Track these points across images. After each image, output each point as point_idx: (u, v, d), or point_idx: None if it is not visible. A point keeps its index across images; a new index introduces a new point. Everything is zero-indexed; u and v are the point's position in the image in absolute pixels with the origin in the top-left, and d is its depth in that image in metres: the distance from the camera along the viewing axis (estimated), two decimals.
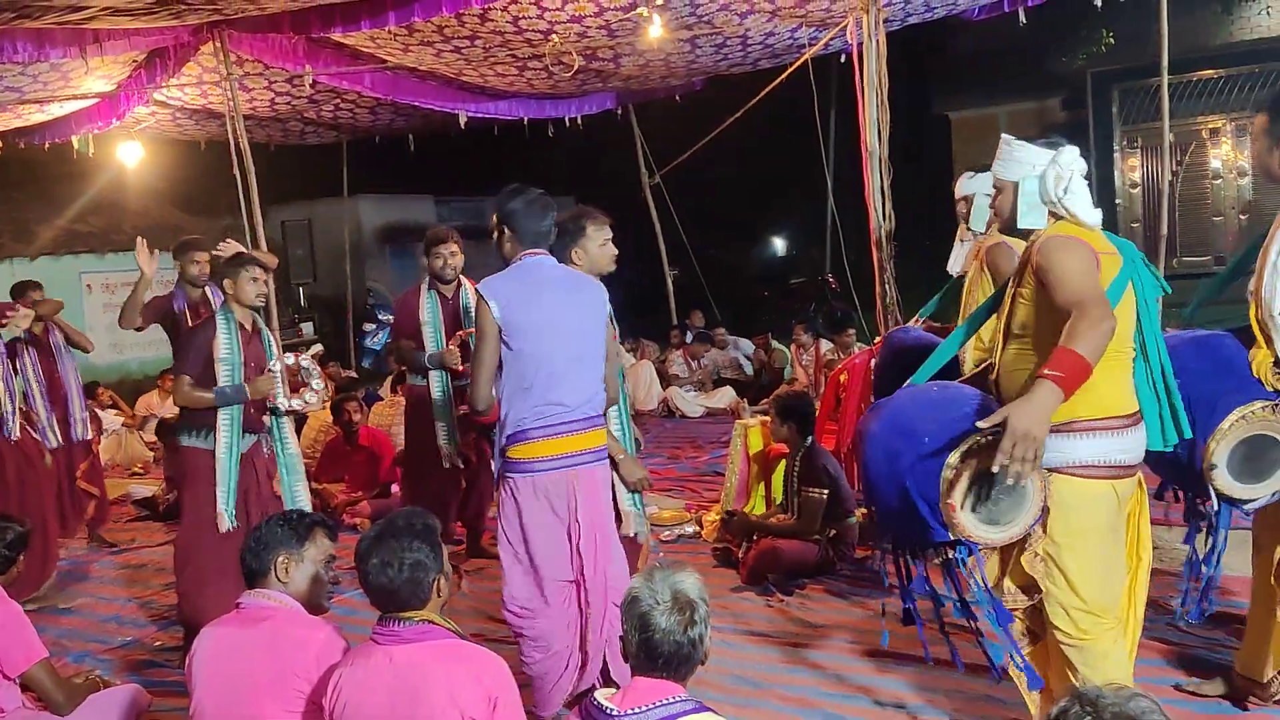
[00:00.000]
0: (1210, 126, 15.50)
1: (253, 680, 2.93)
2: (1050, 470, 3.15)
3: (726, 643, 4.86)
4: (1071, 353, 2.88)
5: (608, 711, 2.43)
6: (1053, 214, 3.25)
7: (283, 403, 5.27)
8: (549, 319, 3.84)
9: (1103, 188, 16.89)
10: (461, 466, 6.18)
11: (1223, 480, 3.38)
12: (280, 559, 3.08)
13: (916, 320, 4.93)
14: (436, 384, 6.17)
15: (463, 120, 9.74)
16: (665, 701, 2.42)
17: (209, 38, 7.62)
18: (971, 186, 4.84)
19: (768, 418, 6.30)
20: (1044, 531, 3.19)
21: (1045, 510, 3.16)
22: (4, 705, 3.71)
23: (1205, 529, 3.78)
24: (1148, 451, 3.30)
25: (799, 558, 5.70)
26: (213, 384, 5.02)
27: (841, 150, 11.31)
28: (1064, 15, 11.80)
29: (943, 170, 21.11)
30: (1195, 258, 14.68)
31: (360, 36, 7.56)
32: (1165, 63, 7.91)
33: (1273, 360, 3.50)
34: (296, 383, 5.44)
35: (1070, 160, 3.24)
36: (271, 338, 5.41)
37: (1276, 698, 3.79)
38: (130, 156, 10.63)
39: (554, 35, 7.57)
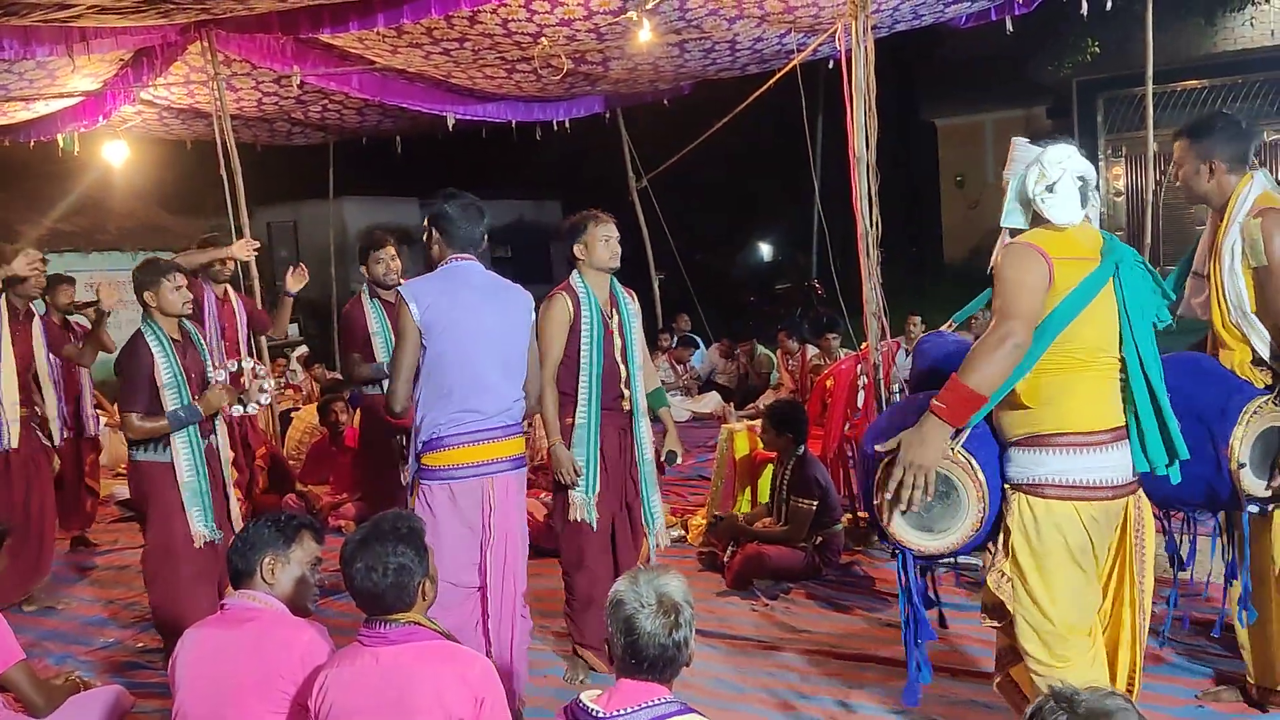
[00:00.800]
0: None
1: (237, 681, 2.92)
2: (1013, 487, 3.09)
3: (711, 646, 4.87)
4: (960, 385, 2.92)
5: (593, 713, 2.44)
6: (1034, 215, 3.17)
7: (235, 410, 5.14)
8: (471, 323, 3.82)
9: None
10: None
11: (1249, 479, 3.40)
12: (267, 560, 3.07)
13: (949, 326, 4.94)
14: None
15: (450, 122, 9.72)
16: (651, 703, 2.43)
17: (196, 37, 7.59)
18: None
19: (754, 422, 6.33)
20: (1005, 553, 3.11)
21: (1008, 530, 3.09)
22: None
23: (1226, 538, 3.81)
24: (1163, 484, 3.18)
25: (785, 563, 5.71)
26: (160, 409, 4.72)
27: (829, 156, 11.33)
28: (1050, 24, 11.89)
29: (929, 176, 21.25)
30: (1192, 276, 14.80)
31: (348, 38, 7.55)
32: (1150, 72, 7.96)
33: (1250, 359, 3.59)
34: (241, 386, 5.26)
35: (1059, 158, 3.10)
36: (202, 341, 5.09)
37: None
38: (116, 156, 10.58)
39: (543, 38, 7.57)
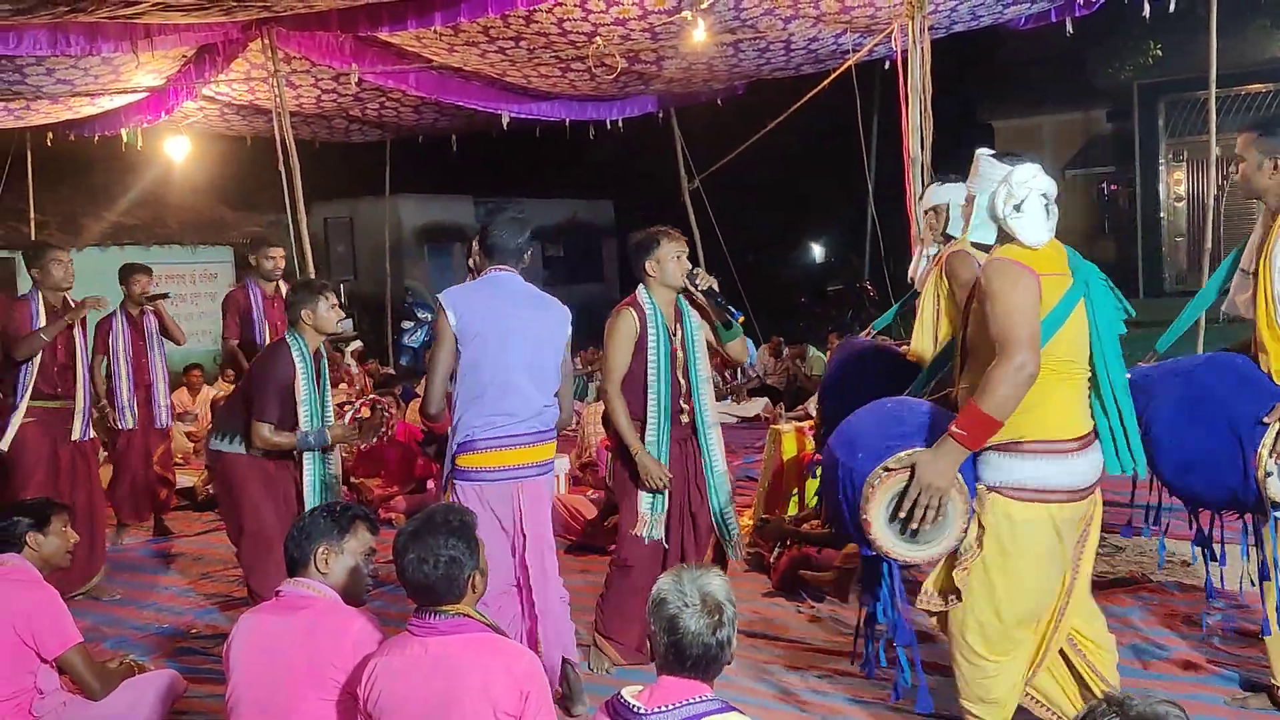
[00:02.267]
0: None
1: (289, 667, 2.97)
2: (989, 489, 3.19)
3: (755, 648, 4.86)
4: (978, 410, 3.02)
5: (634, 710, 2.45)
6: (1002, 231, 3.25)
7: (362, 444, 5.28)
8: (505, 330, 3.94)
9: (1147, 201, 16.73)
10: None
11: (1276, 487, 3.36)
12: (321, 550, 3.12)
13: (868, 332, 4.96)
14: None
15: (505, 121, 9.79)
16: (692, 701, 2.44)
17: (257, 34, 7.70)
18: (943, 195, 4.76)
19: (802, 424, 6.30)
20: (980, 548, 3.21)
21: (982, 528, 3.19)
22: (42, 687, 3.77)
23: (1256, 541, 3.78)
24: (1193, 483, 3.36)
25: (831, 565, 5.68)
26: (290, 422, 4.86)
27: (883, 157, 11.26)
28: (1111, 26, 11.71)
29: None
30: (1239, 273, 14.52)
31: (406, 36, 7.62)
32: (1213, 75, 7.82)
33: None
34: (375, 422, 5.42)
35: (1025, 178, 3.18)
36: (326, 364, 5.22)
37: None
38: (177, 151, 10.77)
39: (598, 37, 7.60)
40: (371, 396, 5.58)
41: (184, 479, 8.98)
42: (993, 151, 3.36)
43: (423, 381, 10.95)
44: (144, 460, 7.30)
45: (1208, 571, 3.94)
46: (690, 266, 4.62)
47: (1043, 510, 3.15)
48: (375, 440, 5.56)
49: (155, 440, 7.40)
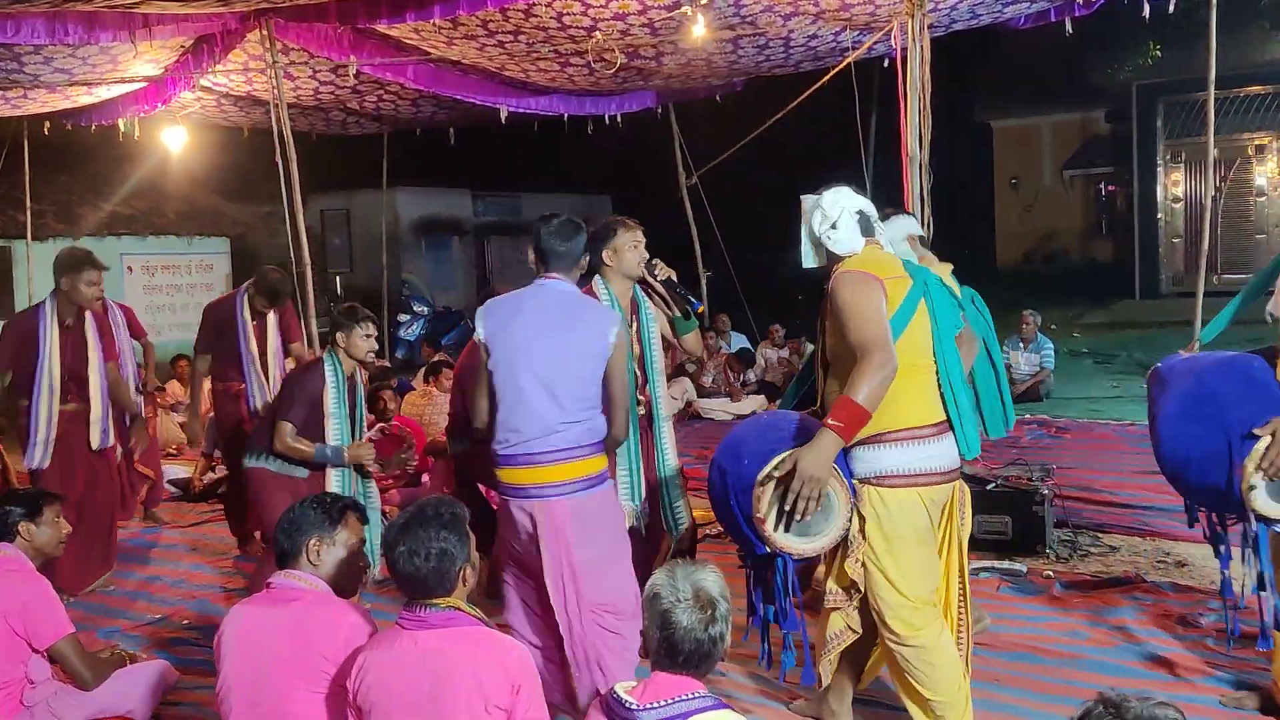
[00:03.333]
0: (1256, 143, 15.33)
1: (280, 659, 2.96)
2: (861, 481, 3.47)
3: (751, 644, 4.85)
4: (851, 402, 3.25)
5: (627, 705, 2.45)
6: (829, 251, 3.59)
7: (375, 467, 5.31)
8: (521, 342, 3.72)
9: (1145, 202, 16.74)
10: None
11: (1261, 501, 3.36)
12: (312, 541, 3.11)
13: None
14: None
15: (503, 115, 9.77)
16: (685, 697, 2.44)
17: (255, 25, 7.68)
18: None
19: None
20: (864, 538, 3.49)
21: (863, 519, 3.47)
22: (34, 677, 3.77)
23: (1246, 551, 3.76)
24: (1186, 480, 3.46)
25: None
26: (313, 434, 4.94)
27: (882, 155, 11.24)
28: (1110, 27, 11.72)
29: (984, 178, 21.03)
30: (1236, 275, 14.54)
31: (405, 28, 7.60)
32: (1212, 77, 7.84)
33: None
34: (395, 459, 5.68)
35: (833, 200, 3.57)
36: (361, 388, 5.30)
37: None
38: (174, 141, 10.73)
39: (597, 32, 7.59)
40: (396, 424, 5.64)
41: (178, 470, 8.97)
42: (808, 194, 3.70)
43: (419, 373, 10.95)
44: (126, 457, 7.07)
45: (1224, 570, 3.95)
46: (647, 256, 4.53)
47: (912, 493, 3.45)
48: (396, 472, 5.63)
49: (124, 441, 7.13)
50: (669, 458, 4.67)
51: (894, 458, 3.44)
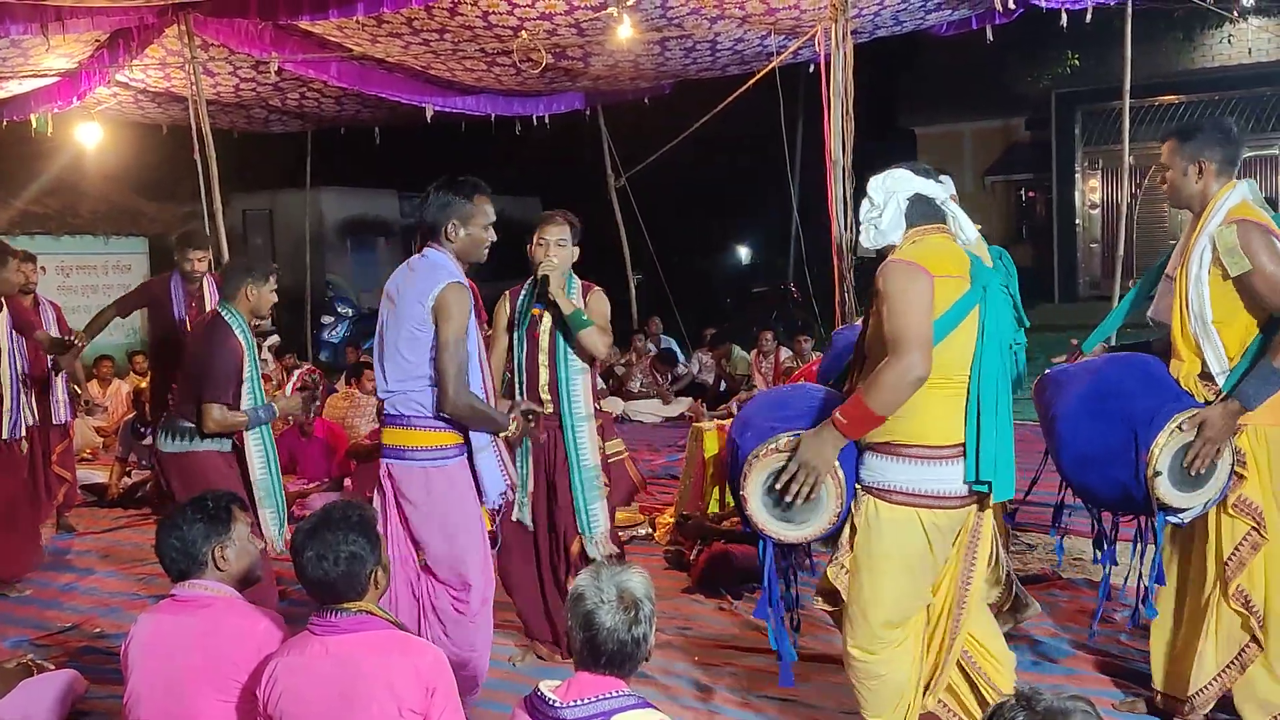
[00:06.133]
0: None
1: (190, 667, 2.89)
2: (864, 489, 3.27)
3: (674, 645, 4.86)
4: (862, 403, 3.07)
5: (550, 702, 2.43)
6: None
7: (303, 416, 5.23)
8: (379, 314, 4.08)
9: (1063, 207, 17.11)
10: None
11: (1164, 488, 3.42)
12: (215, 549, 3.02)
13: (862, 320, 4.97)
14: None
15: (429, 114, 9.68)
16: (607, 695, 2.43)
17: (174, 20, 7.52)
18: None
19: (725, 422, 6.32)
20: (850, 547, 3.31)
21: (854, 528, 3.29)
22: None
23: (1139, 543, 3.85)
24: (1088, 479, 3.40)
25: (751, 563, 5.69)
26: (238, 404, 4.75)
27: (807, 161, 11.35)
28: (1031, 37, 11.95)
29: None
30: (1164, 279, 14.92)
31: (328, 25, 7.50)
32: (1127, 86, 8.04)
33: (1198, 372, 3.59)
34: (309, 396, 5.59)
35: (882, 185, 3.33)
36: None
37: (1200, 713, 3.81)
38: (89, 138, 10.46)
39: (523, 31, 7.55)
40: (306, 366, 5.53)
41: (93, 475, 8.73)
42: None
43: (342, 378, 10.80)
44: (44, 458, 6.97)
45: (1105, 573, 3.99)
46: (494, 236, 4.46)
47: (911, 513, 3.19)
48: (313, 415, 5.50)
49: (55, 437, 7.06)
50: (586, 458, 4.62)
51: (901, 472, 3.19)
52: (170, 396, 5.45)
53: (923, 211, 3.27)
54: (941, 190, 3.31)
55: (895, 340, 3.04)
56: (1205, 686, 3.72)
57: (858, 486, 3.28)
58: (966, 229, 3.33)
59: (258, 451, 4.79)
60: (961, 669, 3.47)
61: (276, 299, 4.96)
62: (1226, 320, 3.55)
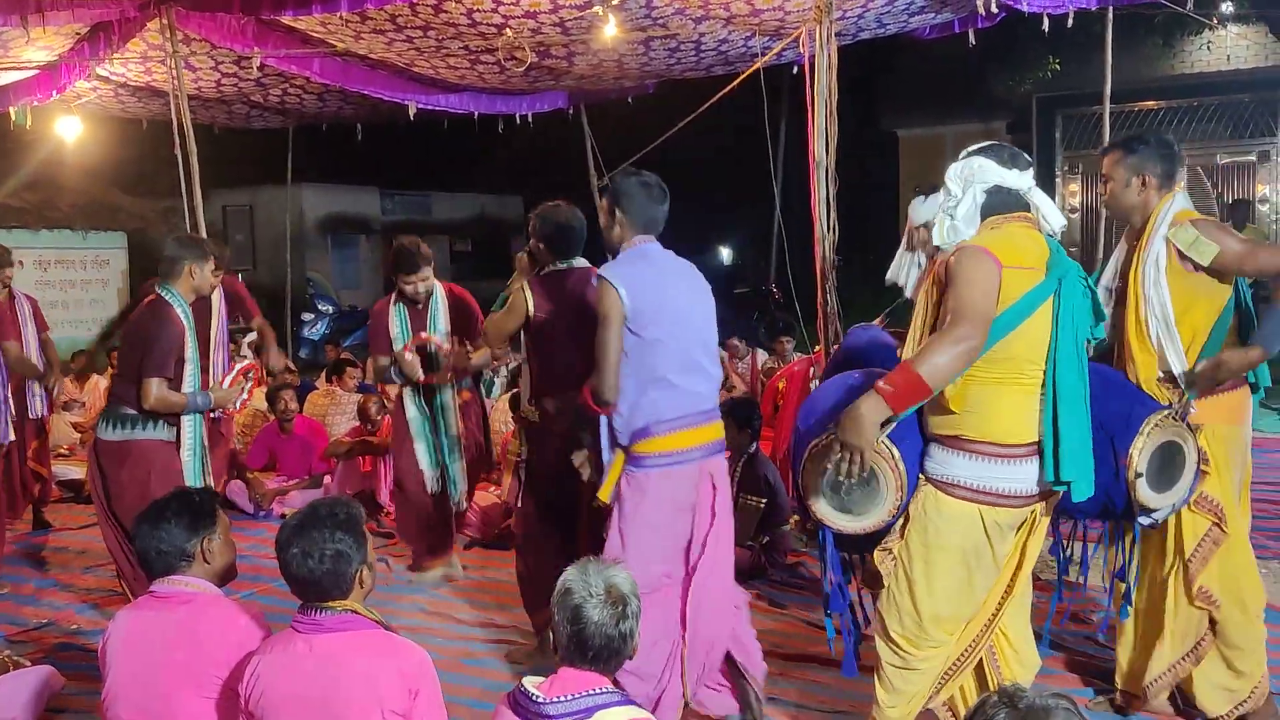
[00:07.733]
0: None
1: (170, 664, 2.87)
2: (926, 479, 3.21)
3: None
4: (909, 369, 2.97)
5: (534, 699, 2.44)
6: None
7: (233, 407, 5.15)
8: (681, 307, 3.80)
9: None
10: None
11: (1144, 490, 3.46)
12: (204, 542, 3.02)
13: (880, 321, 4.97)
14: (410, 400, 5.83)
15: (412, 111, 9.63)
16: (591, 692, 2.44)
17: (155, 14, 7.46)
18: (933, 209, 4.75)
19: None
20: (901, 535, 3.24)
21: (908, 517, 3.22)
22: None
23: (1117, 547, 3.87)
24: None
25: (741, 562, 5.69)
26: (177, 386, 4.67)
27: (790, 162, 11.37)
28: (1012, 41, 12.02)
29: (889, 186, 21.40)
30: (1102, 290, 15.04)
31: (311, 21, 7.46)
32: (1108, 91, 8.08)
33: (1155, 375, 3.68)
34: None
35: (961, 174, 3.26)
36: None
37: (1154, 702, 3.91)
38: (69, 132, 10.38)
39: (508, 29, 7.54)
40: (248, 361, 5.44)
41: (70, 470, 8.67)
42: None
43: (321, 376, 10.73)
44: (20, 453, 6.91)
45: (1059, 579, 4.04)
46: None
47: (972, 509, 3.13)
48: (240, 404, 5.37)
49: (30, 432, 7.00)
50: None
51: (966, 467, 3.11)
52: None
53: (1003, 200, 3.19)
54: (1025, 180, 3.22)
55: (954, 312, 2.97)
56: (1159, 677, 3.83)
57: (921, 477, 3.22)
58: (1052, 218, 3.24)
59: (188, 439, 4.76)
60: (978, 666, 3.43)
61: (217, 280, 4.95)
62: (1179, 319, 3.66)
